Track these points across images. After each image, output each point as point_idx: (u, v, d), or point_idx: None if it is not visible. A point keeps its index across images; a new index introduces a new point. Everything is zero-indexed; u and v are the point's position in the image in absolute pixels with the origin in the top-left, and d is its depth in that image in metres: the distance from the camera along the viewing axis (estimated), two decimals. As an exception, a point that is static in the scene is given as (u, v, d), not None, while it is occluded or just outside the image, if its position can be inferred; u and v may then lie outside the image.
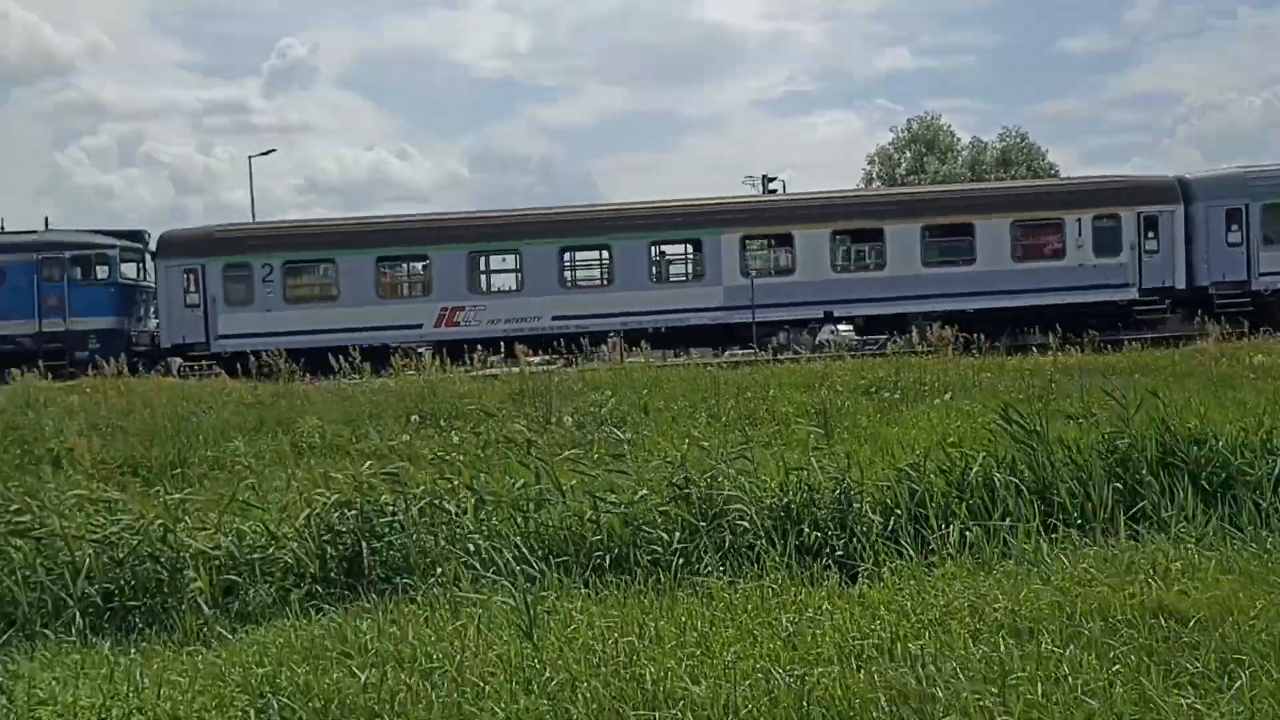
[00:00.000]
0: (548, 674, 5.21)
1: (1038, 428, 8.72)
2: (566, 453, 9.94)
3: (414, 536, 8.03)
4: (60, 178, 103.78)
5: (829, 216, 26.60)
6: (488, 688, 5.15)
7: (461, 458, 11.17)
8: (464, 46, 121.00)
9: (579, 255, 27.13)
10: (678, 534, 7.62)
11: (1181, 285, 26.19)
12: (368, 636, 6.11)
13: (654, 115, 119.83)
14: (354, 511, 8.21)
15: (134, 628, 7.20)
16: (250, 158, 55.91)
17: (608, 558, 7.53)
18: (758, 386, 15.59)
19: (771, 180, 50.08)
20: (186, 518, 8.41)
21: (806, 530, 7.69)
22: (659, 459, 9.39)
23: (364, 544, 7.91)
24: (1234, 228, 26.01)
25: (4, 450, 12.49)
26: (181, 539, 7.85)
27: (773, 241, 27.40)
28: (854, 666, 5.01)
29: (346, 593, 7.53)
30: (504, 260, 27.06)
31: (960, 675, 4.78)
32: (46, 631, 6.96)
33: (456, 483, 8.97)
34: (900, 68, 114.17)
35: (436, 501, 8.48)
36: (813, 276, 25.91)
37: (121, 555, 7.73)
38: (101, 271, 27.04)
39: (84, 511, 8.93)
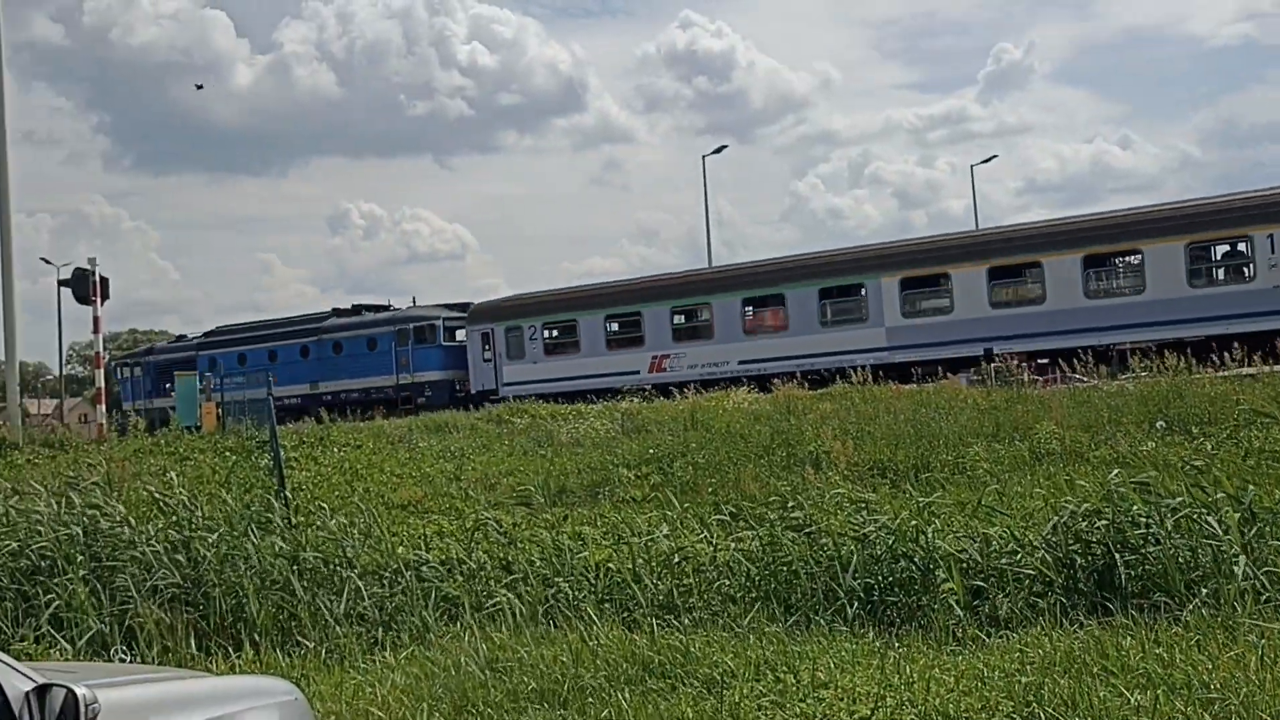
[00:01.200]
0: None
1: None
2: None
3: (1172, 552, 7.47)
4: (799, 204, 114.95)
5: (983, 254, 26.41)
6: (1283, 730, 4.59)
7: (1220, 468, 10.14)
8: (1197, 17, 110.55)
9: (762, 305, 29.64)
10: None
11: None
12: (1131, 655, 5.80)
13: None
14: (1104, 522, 7.88)
15: (892, 622, 7.61)
16: (972, 166, 56.31)
17: None
18: None
19: None
20: (935, 520, 8.73)
21: None
22: None
23: (1117, 556, 7.55)
24: None
25: (773, 452, 14.10)
26: (931, 540, 8.15)
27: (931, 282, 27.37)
28: None
29: (1097, 606, 7.24)
30: (699, 314, 30.47)
31: None
32: (819, 618, 7.63)
33: (1219, 495, 8.16)
34: None
35: (1195, 515, 7.82)
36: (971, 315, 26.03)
37: (878, 553, 8.24)
38: (432, 337, 35.18)
39: (843, 510, 9.73)
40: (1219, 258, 24.49)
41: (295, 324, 39.86)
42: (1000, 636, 6.89)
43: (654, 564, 9.09)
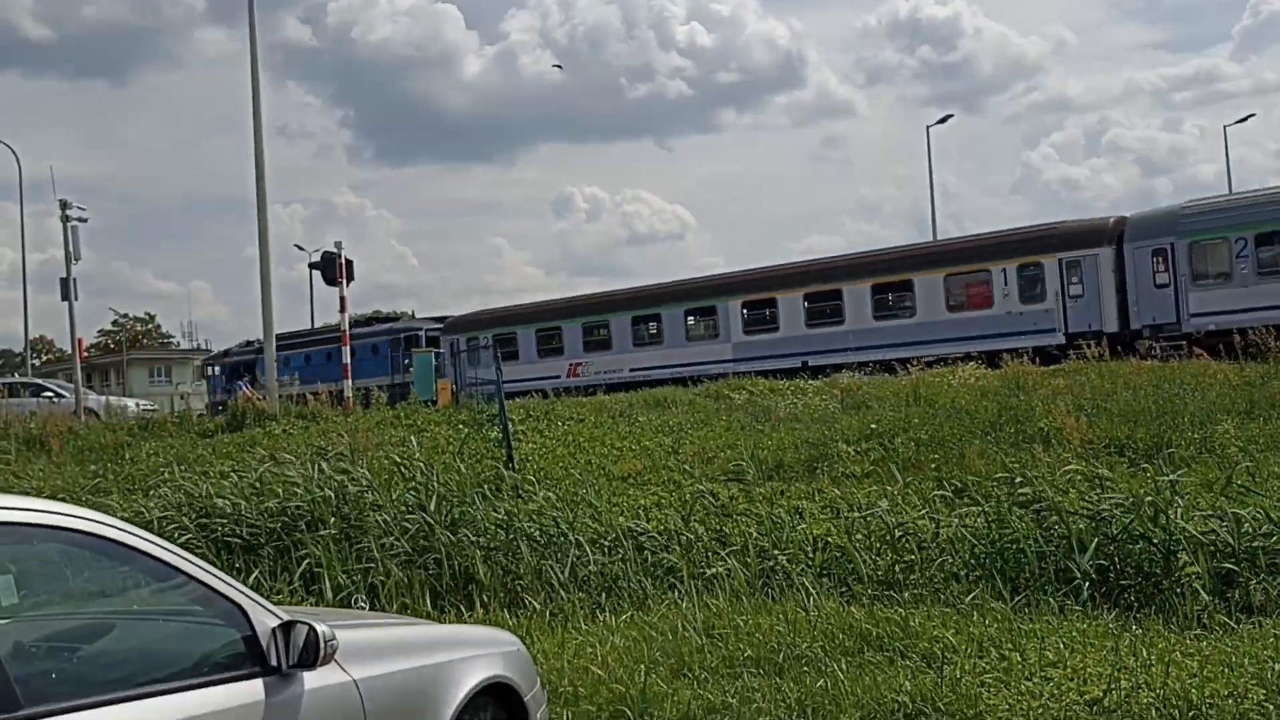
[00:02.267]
0: None
1: None
2: None
3: None
4: (1030, 175, 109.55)
5: (801, 282, 31.50)
6: None
7: None
8: None
9: (645, 323, 34.74)
10: None
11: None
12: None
13: None
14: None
15: (1129, 605, 7.19)
16: (1225, 127, 52.14)
17: None
18: None
19: None
20: (1178, 499, 8.18)
21: None
22: None
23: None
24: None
25: (1000, 429, 13.57)
26: (1174, 521, 7.64)
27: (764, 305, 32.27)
28: None
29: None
30: (601, 329, 35.55)
31: None
32: (1049, 599, 7.29)
33: None
34: None
35: None
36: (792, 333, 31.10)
37: (1114, 532, 7.80)
38: (417, 345, 40.47)
39: (1075, 488, 9.26)
40: (968, 287, 28.80)
41: (325, 332, 47.20)
42: (1252, 624, 6.39)
43: (873, 539, 8.94)
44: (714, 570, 8.81)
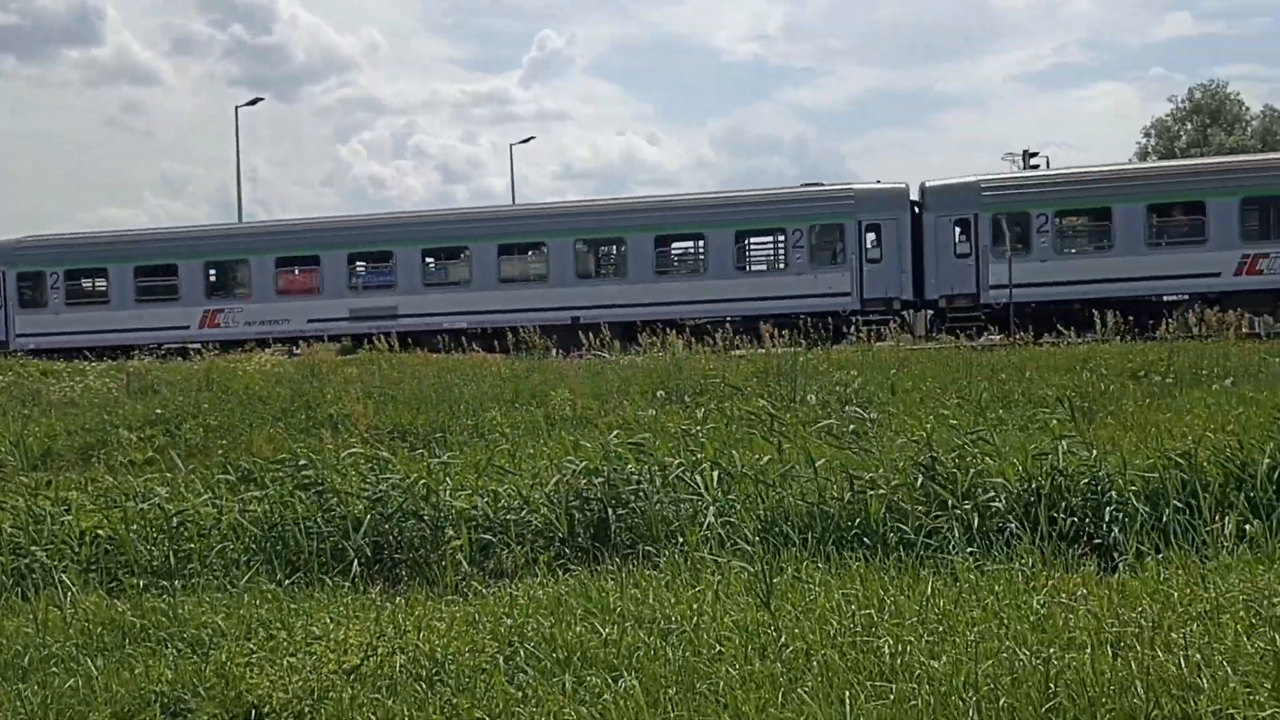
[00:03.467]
0: (783, 640, 5.22)
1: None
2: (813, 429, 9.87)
3: (657, 505, 8.20)
4: (341, 169, 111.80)
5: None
6: (723, 650, 5.21)
7: (704, 433, 11.29)
8: (718, 31, 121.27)
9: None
10: (924, 513, 7.43)
11: None
12: (611, 596, 6.30)
13: (909, 94, 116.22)
14: (601, 479, 8.47)
15: (400, 579, 7.68)
16: (511, 146, 57.90)
17: (851, 534, 7.44)
18: (1013, 368, 14.93)
19: (1033, 156, 47.68)
20: (448, 480, 8.91)
21: (1060, 516, 7.32)
22: (905, 438, 9.18)
23: (610, 510, 8.15)
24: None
25: (292, 415, 13.68)
26: (444, 499, 8.32)
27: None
28: (1109, 653, 4.74)
29: (593, 555, 7.78)
30: None
31: (1230, 668, 4.44)
32: (325, 578, 7.52)
33: (700, 456, 9.08)
34: (1181, 34, 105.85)
35: (680, 473, 8.64)
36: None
37: (390, 512, 8.28)
38: None
39: (358, 470, 9.65)
40: None
41: None
42: (499, 587, 7.18)
43: (150, 528, 8.48)
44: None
